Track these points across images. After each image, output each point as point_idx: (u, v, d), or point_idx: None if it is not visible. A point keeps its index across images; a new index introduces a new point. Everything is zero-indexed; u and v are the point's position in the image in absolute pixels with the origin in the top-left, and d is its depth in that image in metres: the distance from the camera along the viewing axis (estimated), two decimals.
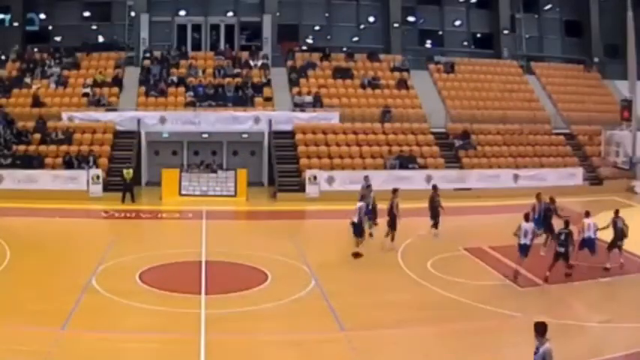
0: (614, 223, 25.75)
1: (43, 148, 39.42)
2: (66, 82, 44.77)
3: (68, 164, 38.31)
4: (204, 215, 33.98)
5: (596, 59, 55.25)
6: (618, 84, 49.90)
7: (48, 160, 38.72)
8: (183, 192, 38.49)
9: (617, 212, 26.31)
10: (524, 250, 24.05)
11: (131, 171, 37.75)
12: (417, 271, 24.88)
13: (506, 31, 54.81)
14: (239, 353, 17.64)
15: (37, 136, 40.11)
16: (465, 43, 56.78)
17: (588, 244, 25.22)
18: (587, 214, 25.88)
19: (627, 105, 36.25)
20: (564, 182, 41.58)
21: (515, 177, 41.83)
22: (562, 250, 23.72)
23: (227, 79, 45.45)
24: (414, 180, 38.92)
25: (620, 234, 25.54)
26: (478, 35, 57.10)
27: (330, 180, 39.24)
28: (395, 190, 29.06)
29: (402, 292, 23.10)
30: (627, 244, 27.14)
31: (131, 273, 23.68)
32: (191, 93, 44.17)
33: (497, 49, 55.05)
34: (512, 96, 49.15)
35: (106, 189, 37.75)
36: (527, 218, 24.62)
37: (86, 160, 38.40)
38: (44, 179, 37.37)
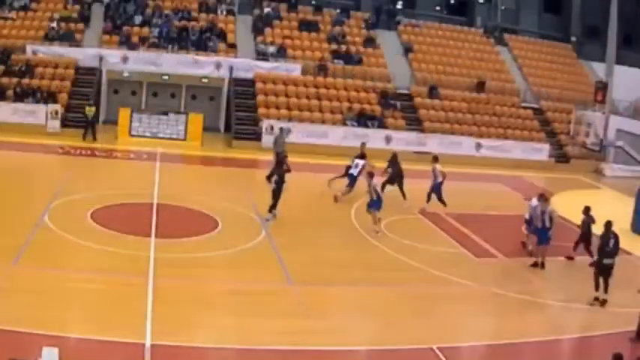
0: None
1: (5, 80, 39.05)
2: (33, 15, 44.29)
3: (22, 95, 38.02)
4: (158, 157, 34.21)
5: (573, 38, 55.56)
6: (594, 65, 50.53)
7: (9, 93, 38.38)
8: (133, 133, 38.63)
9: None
10: (544, 235, 22.86)
11: (93, 108, 37.75)
12: (370, 231, 24.95)
13: (481, 0, 55.00)
14: (186, 299, 17.76)
15: (1, 67, 39.74)
16: (438, 8, 56.92)
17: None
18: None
19: (602, 87, 36.35)
20: (529, 156, 42.13)
21: (478, 145, 42.23)
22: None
23: (192, 23, 45.27)
24: (372, 139, 39.21)
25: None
26: (452, 1, 57.26)
27: (288, 131, 39.34)
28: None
29: (353, 251, 23.24)
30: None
31: (83, 211, 23.84)
32: (155, 34, 43.99)
33: (470, 17, 55.28)
34: (482, 65, 49.39)
35: (64, 125, 37.70)
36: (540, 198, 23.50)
37: (42, 96, 38.19)
38: (4, 112, 37.08)
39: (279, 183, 25.47)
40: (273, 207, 25.32)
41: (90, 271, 18.80)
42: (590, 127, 36.60)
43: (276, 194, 25.31)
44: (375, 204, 25.16)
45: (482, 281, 20.99)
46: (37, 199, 24.99)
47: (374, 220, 25.14)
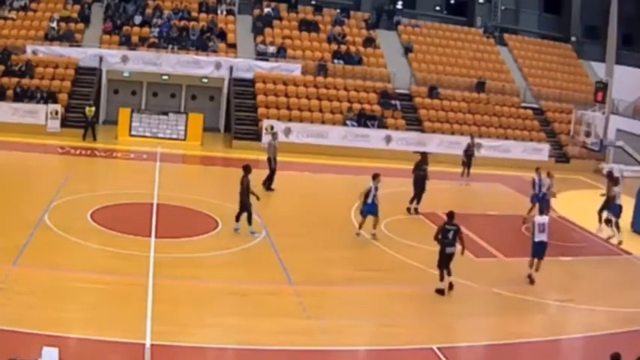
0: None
1: (5, 80, 39.02)
2: (33, 15, 44.28)
3: (21, 95, 38.00)
4: (158, 157, 34.20)
5: (573, 38, 55.48)
6: (594, 65, 50.49)
7: (9, 93, 38.35)
8: (133, 132, 38.69)
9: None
10: (539, 249, 21.20)
11: (93, 109, 37.77)
12: (370, 230, 24.73)
13: (481, 0, 54.98)
14: (186, 299, 17.75)
15: (1, 67, 39.71)
16: (438, 8, 56.91)
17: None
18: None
19: (602, 87, 36.21)
20: (529, 156, 41.97)
21: (478, 145, 41.91)
22: None
23: (192, 23, 45.28)
24: (372, 139, 39.32)
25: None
26: (452, 1, 57.24)
27: (287, 131, 39.44)
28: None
29: (353, 250, 23.29)
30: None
31: (83, 211, 23.85)
32: (155, 34, 44.00)
33: (470, 17, 55.24)
34: (482, 65, 49.34)
35: (64, 125, 37.69)
36: (542, 211, 22.15)
37: (42, 96, 38.18)
38: (4, 112, 37.03)
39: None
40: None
41: (90, 271, 18.77)
42: (590, 127, 36.39)
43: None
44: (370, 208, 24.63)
45: (482, 281, 20.88)
46: (37, 199, 24.97)
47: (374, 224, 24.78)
